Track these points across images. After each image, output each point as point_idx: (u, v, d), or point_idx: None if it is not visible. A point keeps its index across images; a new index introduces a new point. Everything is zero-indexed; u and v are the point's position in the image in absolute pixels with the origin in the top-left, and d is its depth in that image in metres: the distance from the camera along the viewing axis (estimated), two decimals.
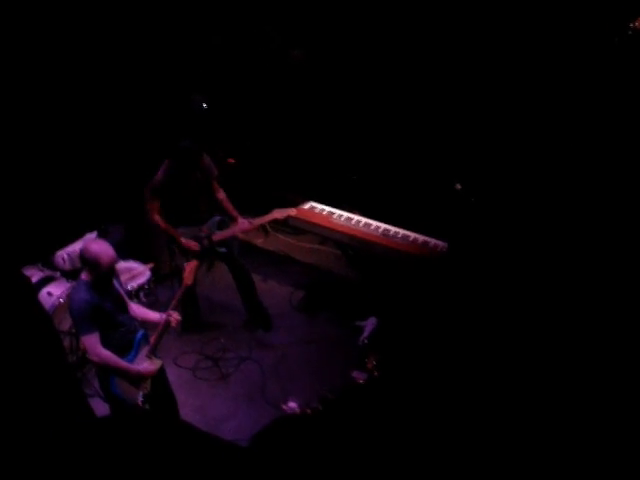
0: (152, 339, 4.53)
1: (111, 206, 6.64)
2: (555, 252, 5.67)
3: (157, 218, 5.70)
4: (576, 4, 5.90)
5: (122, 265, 6.15)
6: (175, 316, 4.58)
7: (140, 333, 4.49)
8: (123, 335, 4.39)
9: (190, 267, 4.83)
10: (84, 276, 4.26)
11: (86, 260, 4.19)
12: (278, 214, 6.02)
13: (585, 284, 5.41)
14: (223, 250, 5.96)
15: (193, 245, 5.78)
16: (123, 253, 6.21)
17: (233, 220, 5.94)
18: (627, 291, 5.24)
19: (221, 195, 5.98)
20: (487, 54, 6.28)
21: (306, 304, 6.72)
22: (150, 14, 6.87)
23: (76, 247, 6.24)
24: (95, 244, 4.25)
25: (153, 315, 4.67)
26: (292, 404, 5.48)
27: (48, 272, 5.84)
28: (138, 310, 4.66)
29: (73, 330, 5.55)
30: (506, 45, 6.16)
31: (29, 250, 5.85)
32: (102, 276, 4.21)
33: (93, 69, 6.52)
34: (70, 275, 5.97)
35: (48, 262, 6.12)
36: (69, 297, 4.60)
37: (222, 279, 6.63)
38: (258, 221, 6.02)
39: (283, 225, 7.38)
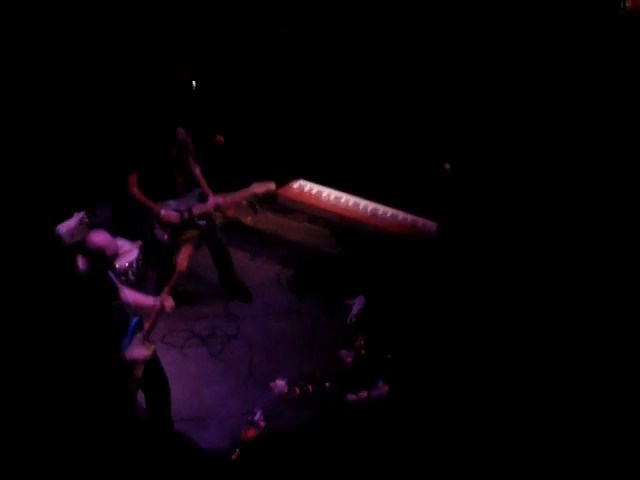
0: (146, 325, 4.50)
1: (98, 185, 6.59)
2: (546, 236, 5.69)
3: (135, 191, 5.65)
4: None
5: None
6: (169, 302, 4.54)
7: (135, 320, 4.45)
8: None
9: (185, 253, 4.71)
10: (80, 264, 4.24)
11: (89, 250, 4.18)
12: (257, 189, 5.91)
13: (578, 273, 5.44)
14: (202, 223, 5.89)
15: (173, 217, 5.72)
16: (111, 232, 6.15)
17: (206, 197, 5.87)
18: (620, 284, 5.28)
19: (197, 171, 5.93)
20: (476, 39, 6.24)
21: (295, 282, 6.73)
22: None
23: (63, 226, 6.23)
24: (99, 236, 4.24)
25: (146, 301, 4.62)
26: (280, 382, 5.53)
27: None
28: (131, 296, 4.59)
29: None
30: (493, 29, 6.13)
31: (17, 232, 5.82)
32: (102, 265, 4.24)
33: (72, 49, 6.43)
34: None
35: None
36: None
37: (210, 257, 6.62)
38: (234, 196, 5.95)
39: (272, 204, 7.36)
